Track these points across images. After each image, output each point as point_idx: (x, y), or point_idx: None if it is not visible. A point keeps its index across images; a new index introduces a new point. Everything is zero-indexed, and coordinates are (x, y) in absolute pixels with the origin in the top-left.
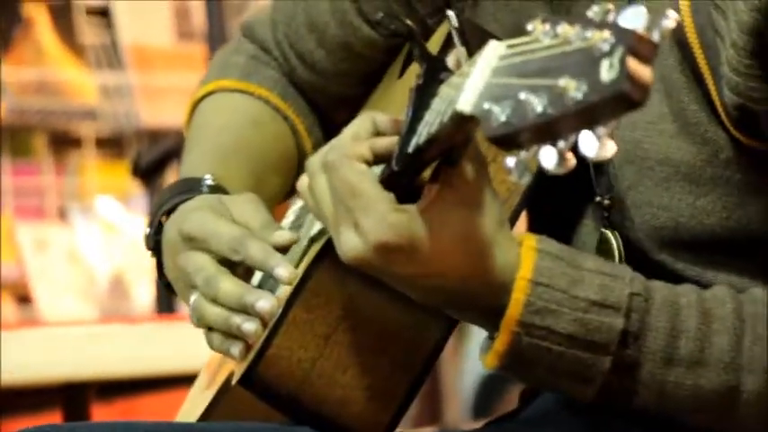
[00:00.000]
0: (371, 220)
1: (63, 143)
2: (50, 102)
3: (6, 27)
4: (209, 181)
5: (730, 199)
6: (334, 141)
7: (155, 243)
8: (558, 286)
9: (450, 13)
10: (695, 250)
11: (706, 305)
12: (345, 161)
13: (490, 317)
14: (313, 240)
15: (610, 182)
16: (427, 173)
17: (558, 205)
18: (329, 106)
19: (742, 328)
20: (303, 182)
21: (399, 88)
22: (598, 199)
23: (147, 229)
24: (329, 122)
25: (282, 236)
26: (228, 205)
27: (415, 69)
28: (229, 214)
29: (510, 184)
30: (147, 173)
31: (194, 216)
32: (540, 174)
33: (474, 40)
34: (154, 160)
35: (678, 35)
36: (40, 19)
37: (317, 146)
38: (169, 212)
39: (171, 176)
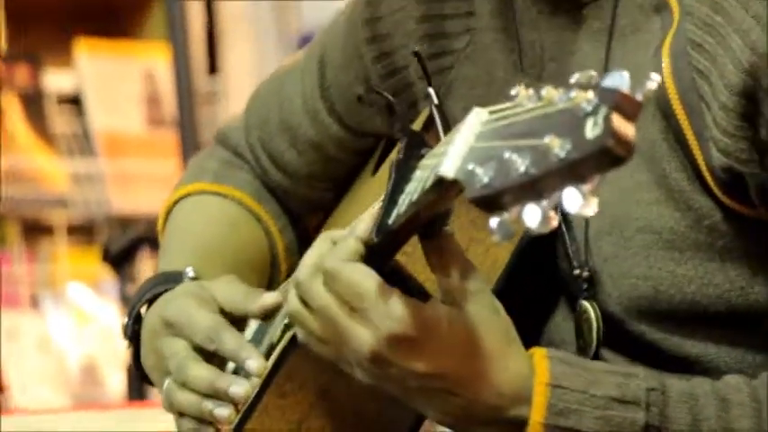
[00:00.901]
0: (381, 314)
1: (34, 231)
2: (22, 190)
3: None
4: (190, 273)
5: (712, 265)
6: (315, 250)
7: (132, 332)
8: (577, 387)
9: (431, 90)
10: (674, 320)
11: (722, 393)
12: (344, 264)
13: (509, 429)
14: (288, 327)
15: (587, 254)
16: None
17: (535, 280)
18: (301, 209)
19: (760, 411)
20: (293, 303)
21: (374, 184)
22: (576, 272)
23: (125, 319)
24: (301, 225)
25: (269, 299)
26: (210, 288)
27: (389, 164)
28: (212, 300)
29: (489, 263)
30: (118, 259)
31: (176, 303)
32: (519, 250)
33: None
34: (124, 247)
35: (661, 103)
36: (11, 108)
37: (289, 247)
38: (149, 302)
39: (141, 263)
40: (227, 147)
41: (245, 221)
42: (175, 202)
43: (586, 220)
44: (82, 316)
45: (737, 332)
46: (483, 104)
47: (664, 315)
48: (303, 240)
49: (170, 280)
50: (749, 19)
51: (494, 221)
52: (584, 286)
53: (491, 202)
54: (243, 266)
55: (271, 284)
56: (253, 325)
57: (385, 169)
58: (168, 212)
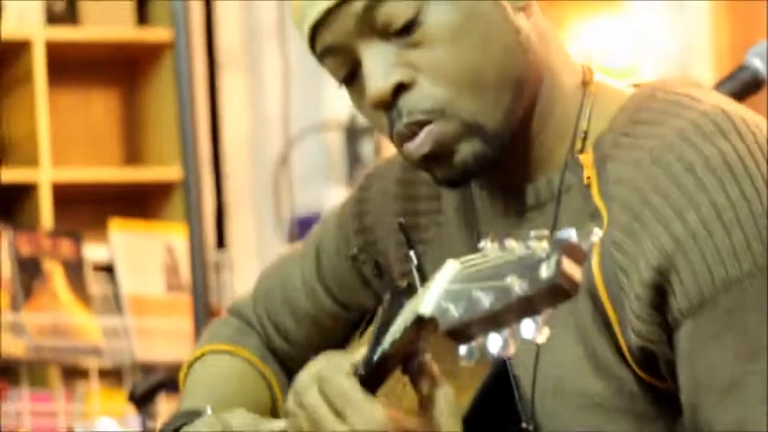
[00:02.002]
0: (363, 418)
1: (72, 374)
2: (63, 341)
3: (29, 280)
4: (209, 411)
5: (632, 426)
6: (316, 365)
7: None
8: None
9: (411, 252)
10: None
11: None
12: (337, 374)
13: None
14: None
15: (533, 410)
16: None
17: (492, 427)
18: (299, 370)
19: None
20: (289, 402)
21: (362, 342)
22: (524, 425)
23: None
24: None
25: (277, 425)
26: (227, 417)
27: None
28: (228, 429)
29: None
30: (141, 399)
31: (197, 427)
32: (478, 407)
33: None
34: (147, 389)
35: (591, 292)
36: (56, 273)
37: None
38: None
39: (161, 402)
40: (240, 317)
41: (252, 377)
42: (195, 360)
43: (533, 383)
44: None
45: None
46: None
47: None
48: None
49: (191, 414)
50: (659, 226)
51: (463, 349)
52: None
53: (460, 333)
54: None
55: None
56: None
57: (369, 333)
58: (189, 366)
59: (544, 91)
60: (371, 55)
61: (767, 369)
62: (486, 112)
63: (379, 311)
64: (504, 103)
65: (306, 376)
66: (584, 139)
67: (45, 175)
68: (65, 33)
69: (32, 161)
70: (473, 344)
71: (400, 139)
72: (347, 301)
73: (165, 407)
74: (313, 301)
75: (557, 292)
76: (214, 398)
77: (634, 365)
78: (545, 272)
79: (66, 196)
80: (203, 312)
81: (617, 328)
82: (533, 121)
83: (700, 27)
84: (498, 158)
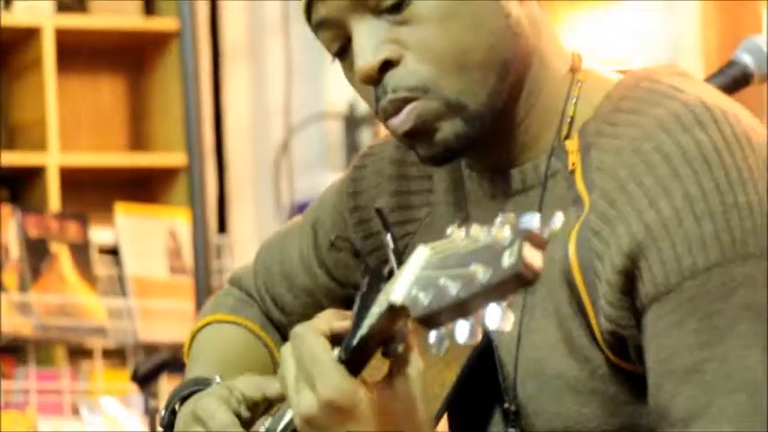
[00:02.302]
0: (325, 382)
1: (77, 354)
2: (69, 321)
3: (36, 262)
4: (218, 380)
5: (607, 408)
6: (299, 327)
7: (168, 422)
8: None
9: (388, 236)
10: None
11: None
12: (311, 334)
13: None
14: (290, 422)
15: (515, 391)
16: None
17: (473, 410)
18: None
19: None
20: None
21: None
22: (506, 405)
23: (163, 411)
24: None
25: (275, 387)
26: (235, 383)
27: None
28: (234, 398)
29: (437, 389)
30: (144, 379)
31: (205, 400)
32: (462, 384)
33: None
34: (149, 369)
35: (568, 277)
36: (62, 255)
37: None
38: (183, 400)
39: (164, 382)
40: (241, 288)
41: (254, 345)
42: (199, 329)
43: (515, 365)
44: (113, 423)
45: None
46: None
47: None
48: None
49: (200, 383)
50: (633, 213)
51: (432, 336)
52: (512, 417)
53: (430, 320)
54: None
55: None
56: (262, 427)
57: None
58: (193, 336)
59: (532, 75)
60: (362, 30)
61: (725, 357)
62: (470, 91)
63: (358, 295)
64: (488, 85)
65: (287, 343)
66: (571, 124)
67: (53, 160)
68: (74, 21)
69: (41, 146)
70: (442, 330)
71: (385, 115)
72: (342, 278)
73: (167, 386)
74: (309, 277)
75: (519, 280)
76: (219, 365)
77: (606, 349)
78: (507, 260)
79: (74, 180)
80: (205, 294)
81: (591, 313)
82: (519, 103)
83: (689, 25)
84: (481, 139)
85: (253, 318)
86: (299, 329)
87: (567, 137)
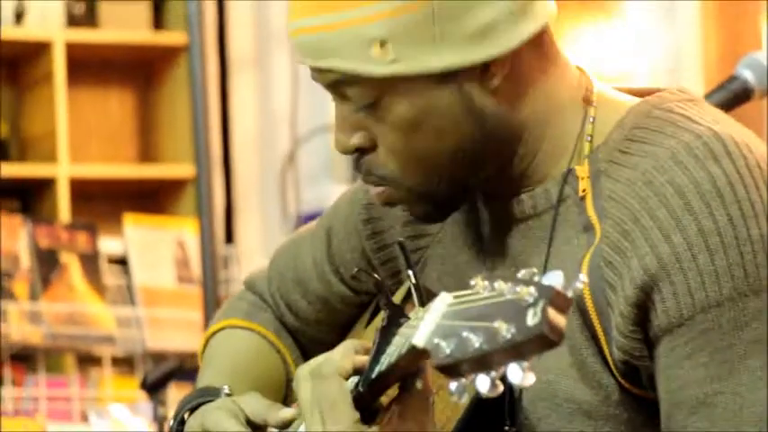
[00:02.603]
0: (337, 428)
1: (86, 362)
2: (78, 329)
3: (46, 271)
4: (226, 390)
5: (620, 431)
6: (322, 357)
7: (177, 431)
8: None
9: (410, 272)
10: None
11: None
12: (333, 376)
13: None
14: None
15: (524, 414)
16: (387, 397)
17: (486, 428)
18: (309, 346)
19: None
20: (294, 382)
21: (366, 335)
22: (506, 428)
23: (172, 421)
24: (310, 357)
25: (285, 413)
26: (240, 402)
27: (378, 321)
28: (242, 413)
29: (448, 412)
30: (153, 387)
31: (213, 414)
32: (470, 410)
33: (427, 296)
34: (158, 377)
35: (580, 305)
36: (72, 265)
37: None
38: (192, 410)
39: (172, 390)
40: (255, 292)
41: (267, 351)
42: (213, 333)
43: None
44: (121, 429)
45: None
46: (450, 278)
47: None
48: None
49: (208, 394)
50: (646, 246)
51: (453, 384)
52: None
53: (452, 369)
54: (264, 386)
55: (285, 402)
56: None
57: (375, 324)
58: (207, 340)
59: (528, 134)
60: (339, 112)
61: (735, 390)
62: (436, 184)
63: (378, 323)
64: (456, 178)
65: (306, 368)
66: (587, 155)
67: (63, 171)
68: (84, 35)
69: (51, 157)
70: (463, 381)
71: (363, 181)
72: (356, 286)
73: (175, 394)
74: (323, 283)
75: (541, 341)
76: (229, 373)
77: (619, 376)
78: (531, 319)
79: (84, 191)
80: (212, 304)
81: (603, 341)
82: (521, 154)
83: (690, 37)
84: (456, 208)
85: (266, 323)
86: (324, 369)
87: (578, 162)
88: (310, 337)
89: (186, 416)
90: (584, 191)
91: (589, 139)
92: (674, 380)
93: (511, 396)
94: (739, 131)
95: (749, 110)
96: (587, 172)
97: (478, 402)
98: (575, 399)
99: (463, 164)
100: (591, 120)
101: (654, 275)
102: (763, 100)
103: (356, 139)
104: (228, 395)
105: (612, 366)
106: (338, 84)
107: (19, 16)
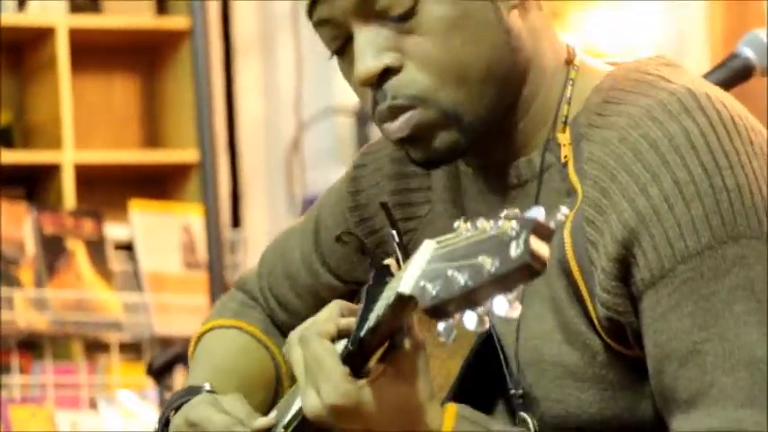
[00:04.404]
0: (329, 387)
1: (94, 348)
2: (85, 316)
3: (52, 258)
4: (207, 387)
5: (606, 393)
6: (310, 320)
7: None
8: None
9: (393, 232)
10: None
11: None
12: (317, 338)
13: None
14: (286, 429)
15: (518, 379)
16: (378, 354)
17: (478, 399)
18: None
19: None
20: (284, 350)
21: None
22: (512, 391)
23: (157, 424)
24: None
25: (262, 422)
26: (221, 401)
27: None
28: (222, 408)
29: (441, 380)
30: (160, 372)
31: (197, 408)
32: (466, 373)
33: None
34: (164, 363)
35: (563, 265)
36: (78, 251)
37: (290, 370)
38: (176, 409)
39: (178, 376)
40: (245, 292)
41: (255, 349)
42: (203, 333)
43: (516, 351)
44: (130, 416)
45: None
46: None
47: (573, 429)
48: None
49: (192, 393)
50: (624, 201)
51: (441, 325)
52: (520, 401)
53: (438, 311)
54: (252, 384)
55: (275, 398)
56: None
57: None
58: (197, 341)
59: (529, 81)
60: (365, 35)
61: (723, 336)
62: (467, 104)
63: (364, 288)
64: (485, 98)
65: (294, 334)
66: (565, 120)
67: (68, 157)
68: (87, 21)
69: (56, 144)
70: (450, 320)
71: (381, 119)
72: (344, 275)
73: (182, 379)
74: (311, 275)
75: (526, 270)
76: (213, 373)
77: (604, 335)
78: (514, 250)
79: (89, 177)
80: (219, 289)
81: (588, 300)
82: (517, 109)
83: (695, 19)
84: (474, 146)
85: (255, 321)
86: (307, 332)
87: (560, 130)
88: None
89: (172, 415)
90: (565, 157)
91: (568, 101)
92: (661, 333)
93: (506, 362)
94: (715, 89)
95: (750, 87)
96: (569, 139)
97: (471, 368)
98: (561, 361)
99: (492, 82)
100: (570, 83)
101: (633, 230)
102: (765, 77)
103: (386, 59)
104: (210, 392)
105: (597, 325)
106: None
107: (22, 2)
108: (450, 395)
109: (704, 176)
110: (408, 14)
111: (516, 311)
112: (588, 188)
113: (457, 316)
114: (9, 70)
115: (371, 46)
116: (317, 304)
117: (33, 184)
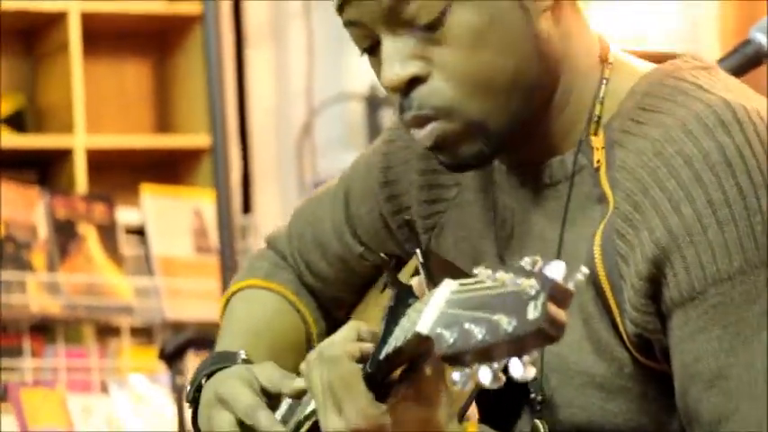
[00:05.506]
0: (353, 410)
1: (105, 332)
2: (96, 300)
3: (64, 242)
4: (242, 355)
5: (632, 405)
6: (326, 342)
7: (193, 397)
8: None
9: (417, 251)
10: None
11: None
12: (345, 360)
13: None
14: (300, 425)
15: (540, 383)
16: (397, 373)
17: (502, 400)
18: (329, 305)
19: None
20: (302, 368)
21: (381, 300)
22: (532, 396)
23: (188, 386)
24: (331, 316)
25: (299, 383)
26: (255, 370)
27: (390, 291)
28: (256, 381)
29: None
30: (171, 357)
31: (227, 382)
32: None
33: (437, 267)
34: (176, 347)
35: (593, 277)
36: (90, 236)
37: (321, 334)
38: (208, 375)
39: (190, 359)
40: (276, 251)
41: (286, 311)
42: (233, 293)
43: (542, 356)
44: (141, 400)
45: None
46: (465, 243)
47: None
48: (332, 329)
49: (225, 359)
50: (657, 219)
51: (456, 374)
52: (538, 407)
53: (454, 359)
54: (284, 347)
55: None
56: (284, 405)
57: (388, 294)
58: (227, 300)
59: (562, 85)
60: (392, 43)
61: (749, 363)
62: (493, 114)
63: (386, 307)
64: (511, 108)
65: (314, 354)
66: (598, 120)
67: (80, 142)
68: (99, 6)
69: (68, 128)
70: (466, 371)
71: (408, 125)
72: (375, 247)
73: (193, 364)
74: (342, 244)
75: (541, 336)
76: (248, 336)
77: (633, 349)
78: (532, 313)
79: (100, 162)
80: (230, 273)
81: (616, 313)
82: (551, 111)
83: (707, 6)
84: (502, 150)
85: (287, 282)
86: (334, 352)
87: (594, 132)
88: (330, 297)
89: (203, 381)
90: (598, 161)
91: (602, 101)
92: (688, 353)
93: None
94: (751, 100)
95: (762, 74)
96: (602, 142)
97: None
98: (587, 371)
99: (519, 92)
100: (604, 82)
101: (664, 249)
102: None
103: (413, 68)
104: (245, 360)
105: (626, 339)
106: (399, 2)
107: None
108: (470, 400)
109: (739, 198)
110: (436, 24)
111: (531, 373)
112: (620, 199)
113: (474, 367)
114: (21, 55)
115: (398, 54)
116: (347, 272)
117: (45, 169)
